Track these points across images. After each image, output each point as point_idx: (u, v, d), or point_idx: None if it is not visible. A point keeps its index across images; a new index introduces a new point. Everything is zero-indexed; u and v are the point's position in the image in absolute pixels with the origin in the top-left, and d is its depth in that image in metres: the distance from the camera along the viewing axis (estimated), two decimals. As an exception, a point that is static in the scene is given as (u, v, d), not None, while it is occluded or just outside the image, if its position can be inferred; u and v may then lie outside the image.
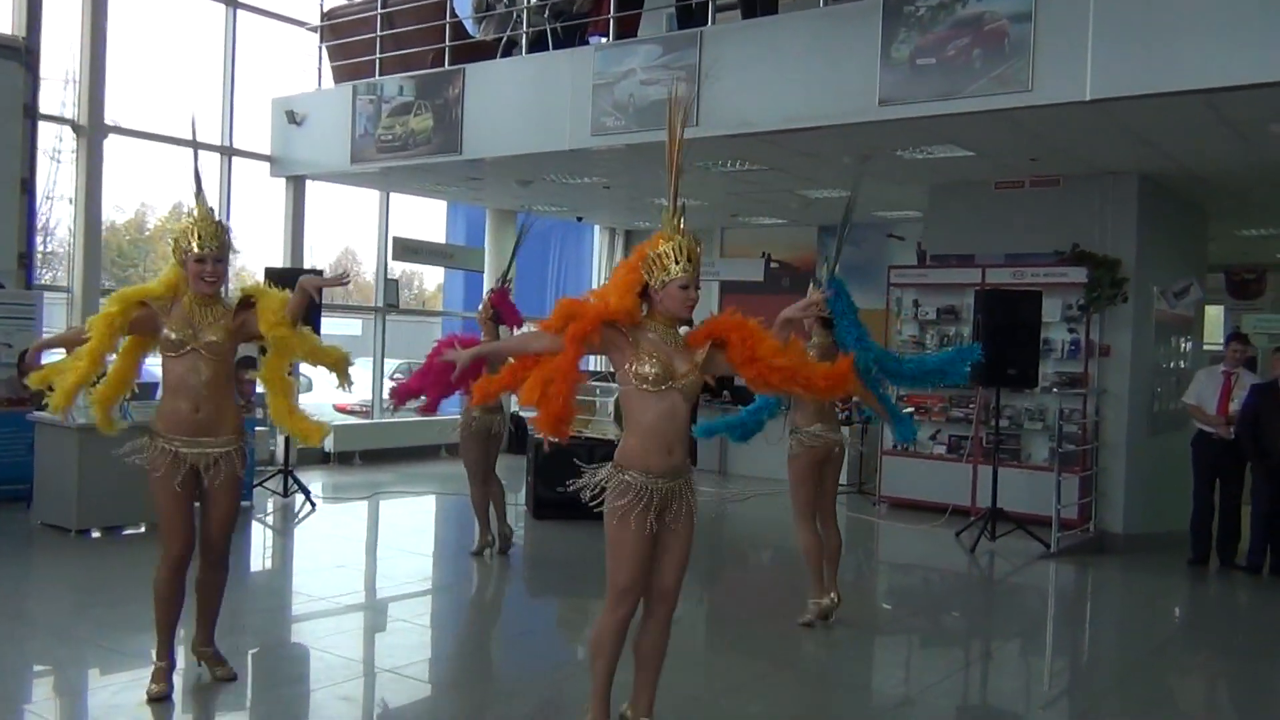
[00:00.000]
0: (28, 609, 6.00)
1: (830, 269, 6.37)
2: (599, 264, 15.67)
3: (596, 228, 15.51)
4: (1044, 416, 9.47)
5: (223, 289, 4.51)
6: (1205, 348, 12.27)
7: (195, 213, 4.37)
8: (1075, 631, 6.96)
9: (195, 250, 4.28)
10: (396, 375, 17.29)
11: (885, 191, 10.78)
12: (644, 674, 3.84)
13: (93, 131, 9.83)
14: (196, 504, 4.43)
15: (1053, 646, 6.51)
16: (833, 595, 6.03)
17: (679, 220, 3.72)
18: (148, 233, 24.60)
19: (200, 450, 4.32)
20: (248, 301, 4.41)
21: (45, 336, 6.65)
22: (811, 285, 6.26)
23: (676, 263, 3.62)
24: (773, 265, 14.25)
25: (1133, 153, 8.49)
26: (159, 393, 7.16)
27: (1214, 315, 14.88)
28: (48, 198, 10.10)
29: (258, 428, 9.54)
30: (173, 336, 4.27)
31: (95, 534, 7.63)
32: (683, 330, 3.80)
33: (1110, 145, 8.25)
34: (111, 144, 10.20)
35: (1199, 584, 7.90)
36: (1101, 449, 9.24)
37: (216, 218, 4.43)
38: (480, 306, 7.94)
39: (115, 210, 25.45)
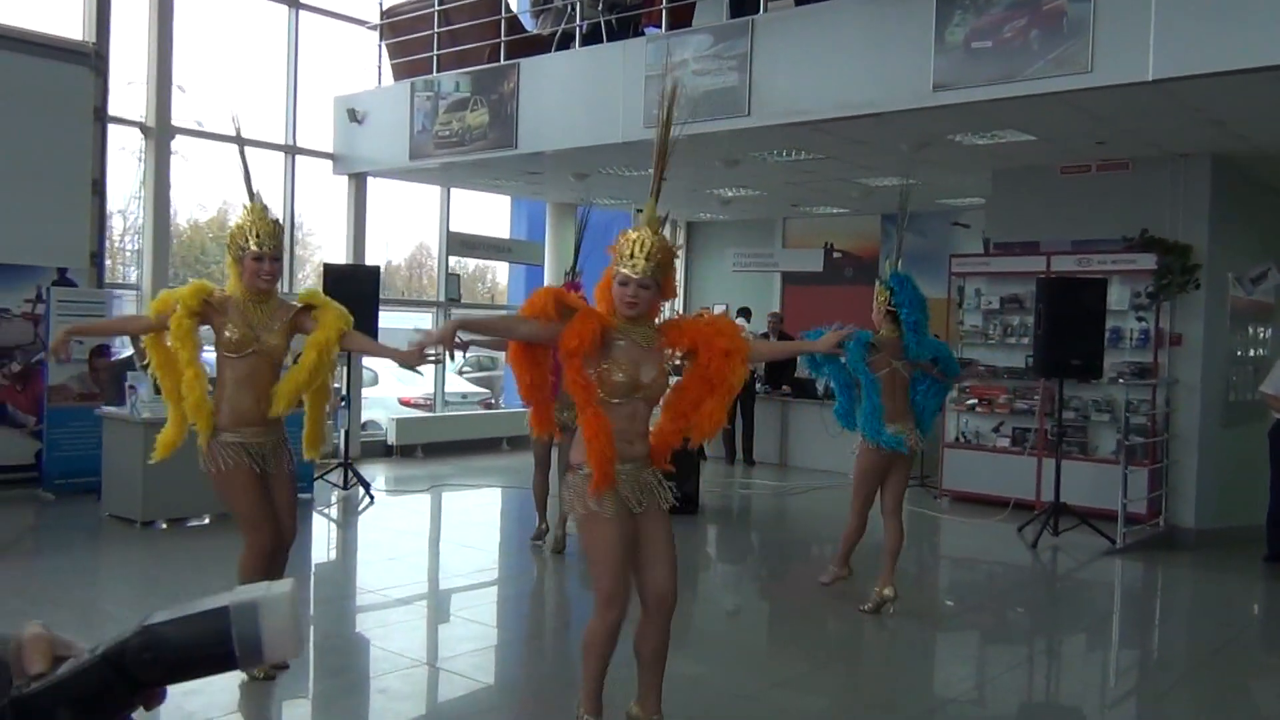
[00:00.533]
0: (89, 598, 6.18)
1: (894, 263, 6.31)
2: (660, 256, 15.62)
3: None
4: (1112, 408, 9.19)
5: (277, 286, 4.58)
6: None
7: (251, 210, 4.41)
8: (1142, 630, 6.75)
9: (253, 249, 4.33)
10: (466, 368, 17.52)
11: (947, 178, 10.57)
12: (647, 675, 3.76)
13: (160, 133, 10.08)
14: None
15: (1119, 644, 6.32)
16: (889, 589, 5.95)
17: (652, 212, 3.57)
18: (229, 230, 25.32)
19: (263, 440, 4.44)
20: (308, 307, 4.49)
21: (79, 323, 6.86)
22: (877, 283, 6.25)
23: (628, 257, 3.45)
24: (835, 255, 14.09)
25: (1203, 134, 8.18)
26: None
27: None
28: (135, 197, 10.43)
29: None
30: (234, 337, 4.35)
31: (162, 525, 7.82)
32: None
33: (1179, 127, 7.96)
34: (193, 145, 10.49)
35: (1275, 581, 7.60)
36: (1172, 441, 8.94)
37: (272, 215, 4.46)
38: None
39: (199, 209, 26.14)
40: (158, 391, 7.98)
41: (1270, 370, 8.09)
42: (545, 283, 13.75)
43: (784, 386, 12.34)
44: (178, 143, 11.68)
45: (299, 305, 4.51)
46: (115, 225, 10.79)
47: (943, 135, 8.45)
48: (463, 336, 3.64)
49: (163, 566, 6.90)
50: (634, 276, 3.42)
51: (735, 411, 11.97)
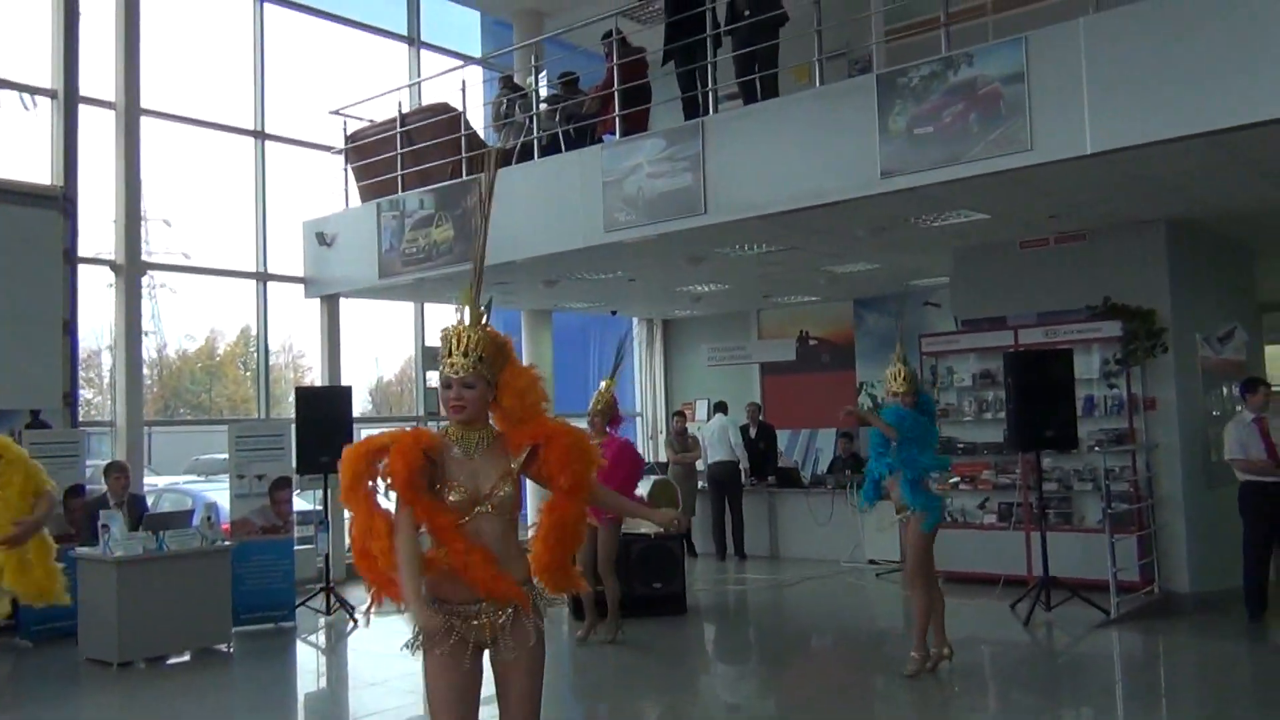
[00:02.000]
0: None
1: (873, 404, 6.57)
2: (638, 355, 15.70)
3: (635, 320, 15.58)
4: (1093, 476, 9.15)
5: None
6: (1276, 389, 11.80)
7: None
8: (1148, 702, 6.59)
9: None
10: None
11: (911, 259, 10.71)
12: None
13: (130, 270, 10.17)
14: None
15: (1124, 718, 6.17)
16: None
17: (471, 301, 3.23)
18: (217, 358, 25.38)
19: None
20: None
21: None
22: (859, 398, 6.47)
23: (446, 356, 3.13)
24: (811, 342, 14.18)
25: (1154, 200, 8.33)
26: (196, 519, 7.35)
27: (1277, 355, 14.36)
28: (147, 333, 10.53)
29: (297, 547, 9.57)
30: None
31: (140, 665, 7.65)
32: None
33: (1129, 195, 8.11)
34: (177, 277, 10.60)
35: (1268, 641, 7.48)
36: (1158, 506, 8.89)
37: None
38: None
39: (186, 339, 26.26)
40: (133, 528, 7.98)
41: (1224, 437, 8.03)
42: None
43: (770, 477, 12.28)
44: (165, 276, 11.85)
45: None
46: (105, 361, 10.87)
47: (898, 219, 8.59)
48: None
49: (139, 710, 6.73)
50: (454, 377, 3.10)
51: (723, 505, 11.89)
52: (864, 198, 7.70)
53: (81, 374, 15.07)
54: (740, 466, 12.02)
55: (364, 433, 14.92)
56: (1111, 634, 7.71)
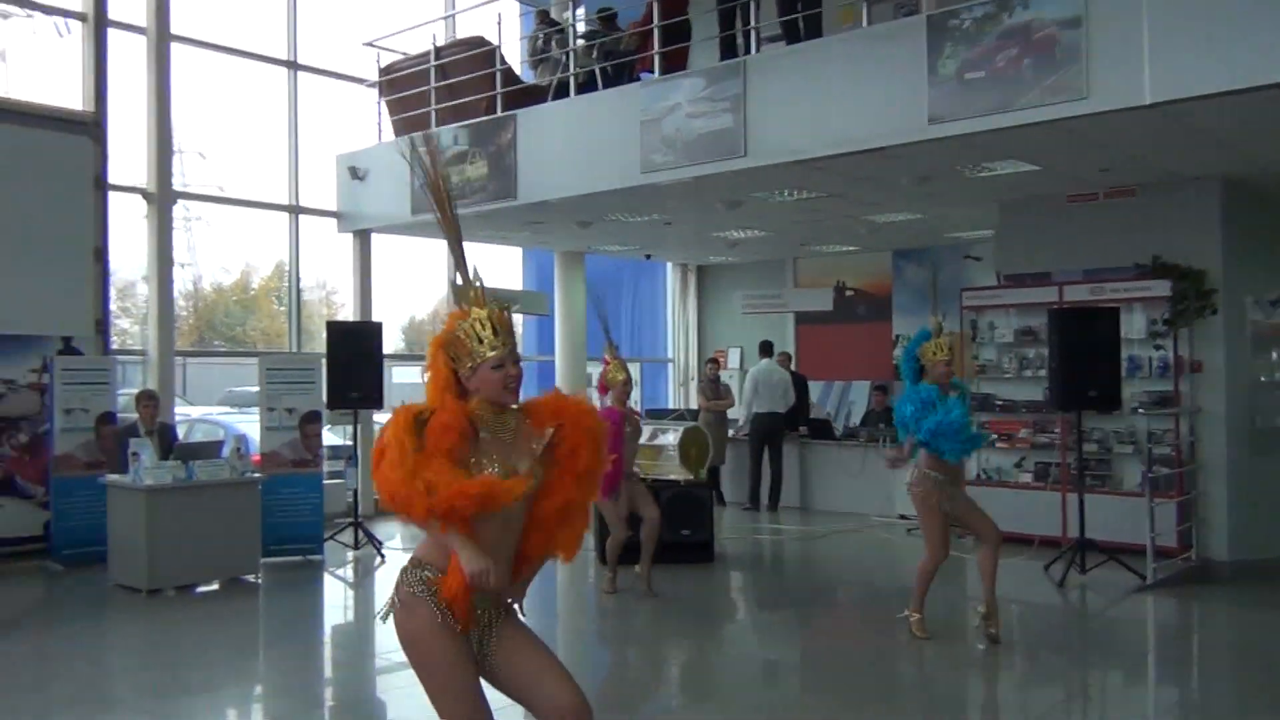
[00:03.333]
0: (95, 673, 6.02)
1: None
2: (672, 301, 15.54)
3: (669, 265, 15.40)
4: (1135, 439, 8.94)
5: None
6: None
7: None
8: (1181, 669, 6.46)
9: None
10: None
11: (954, 211, 10.45)
12: None
13: (162, 199, 10.11)
14: None
15: (1156, 685, 6.05)
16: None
17: (476, 290, 3.02)
18: (252, 293, 25.55)
19: None
20: None
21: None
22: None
23: (481, 341, 2.94)
24: (848, 293, 13.95)
25: (1211, 156, 8.02)
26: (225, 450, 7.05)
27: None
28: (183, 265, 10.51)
29: (326, 481, 9.59)
30: None
31: (170, 593, 7.69)
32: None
33: (1184, 150, 7.81)
34: (213, 210, 10.54)
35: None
36: (1200, 471, 8.68)
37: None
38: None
39: (222, 272, 26.44)
40: (163, 457, 8.00)
41: None
42: (557, 332, 13.67)
43: (800, 428, 12.14)
44: (201, 209, 11.82)
45: None
46: (141, 291, 10.87)
47: (943, 168, 8.33)
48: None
49: (165, 636, 6.76)
50: (509, 355, 2.95)
51: (761, 456, 11.72)
52: (910, 144, 7.47)
53: (119, 304, 15.21)
54: (782, 416, 11.79)
55: (394, 370, 14.96)
56: (1147, 599, 7.56)
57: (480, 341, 2.94)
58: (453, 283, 3.07)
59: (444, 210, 3.10)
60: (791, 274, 14.66)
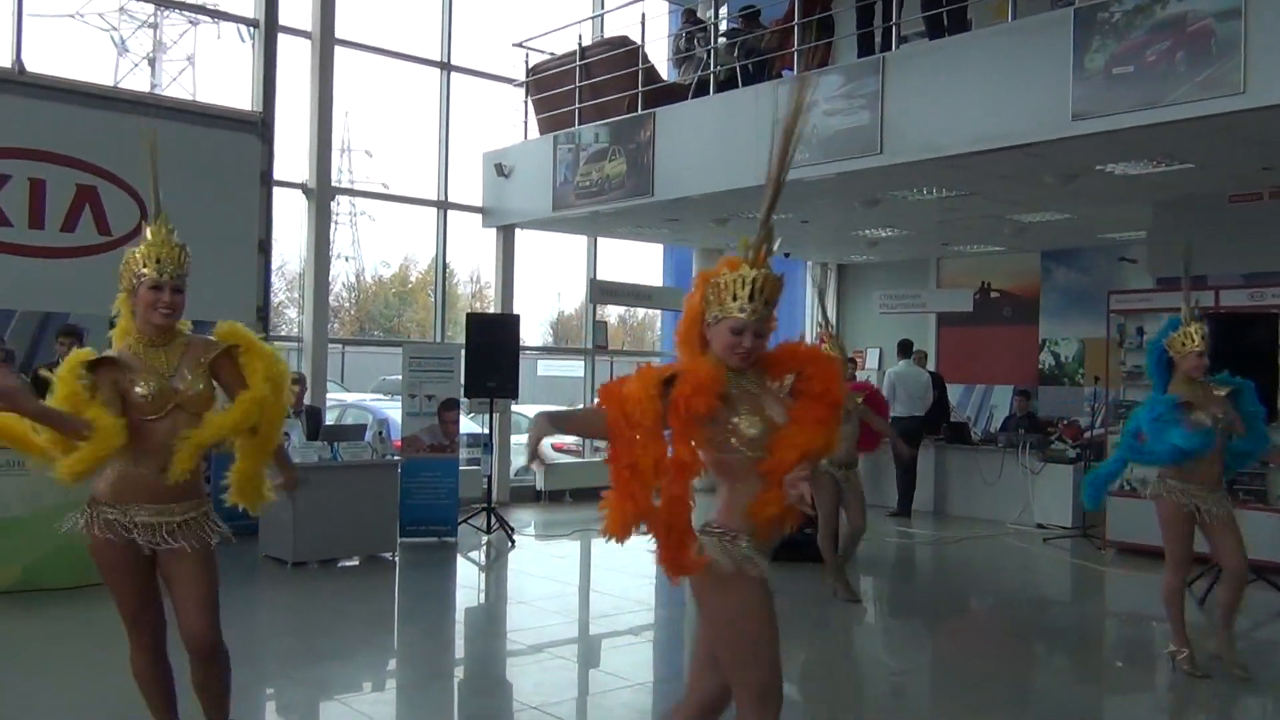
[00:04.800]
0: (229, 634, 6.41)
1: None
2: (810, 300, 15.43)
3: (809, 263, 15.30)
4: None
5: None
6: None
7: (149, 235, 3.57)
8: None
9: (150, 275, 3.48)
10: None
11: (1104, 211, 10.08)
12: None
13: (321, 194, 10.67)
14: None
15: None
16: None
17: (761, 250, 2.98)
18: (410, 285, 26.62)
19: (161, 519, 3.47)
20: (230, 348, 3.64)
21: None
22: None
23: (735, 298, 2.89)
24: (993, 294, 13.59)
25: (1386, 154, 7.52)
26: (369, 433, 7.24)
27: None
28: (340, 256, 11.07)
29: (462, 467, 9.92)
30: (147, 393, 3.46)
31: (313, 566, 8.14)
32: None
33: (1355, 147, 7.34)
34: (377, 207, 11.07)
35: None
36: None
37: (177, 240, 3.61)
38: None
39: (382, 266, 27.57)
40: (310, 438, 8.45)
41: None
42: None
43: (939, 431, 11.90)
44: (365, 204, 12.43)
45: (219, 345, 3.63)
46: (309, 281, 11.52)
47: (1089, 166, 8.06)
48: (548, 451, 3.11)
49: (306, 606, 7.17)
50: (752, 322, 2.91)
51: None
52: (1052, 141, 7.26)
53: (287, 294, 16.08)
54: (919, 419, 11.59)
55: (539, 363, 15.26)
56: (1298, 622, 7.16)
57: (734, 299, 2.91)
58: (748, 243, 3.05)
59: (784, 156, 3.09)
60: (934, 273, 14.35)
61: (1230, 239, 9.05)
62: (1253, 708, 5.76)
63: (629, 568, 9.20)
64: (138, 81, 14.89)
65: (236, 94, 10.28)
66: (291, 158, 10.71)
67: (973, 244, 12.78)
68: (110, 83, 11.75)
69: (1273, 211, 8.81)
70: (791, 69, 9.42)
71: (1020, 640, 6.43)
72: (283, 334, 11.16)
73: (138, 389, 3.45)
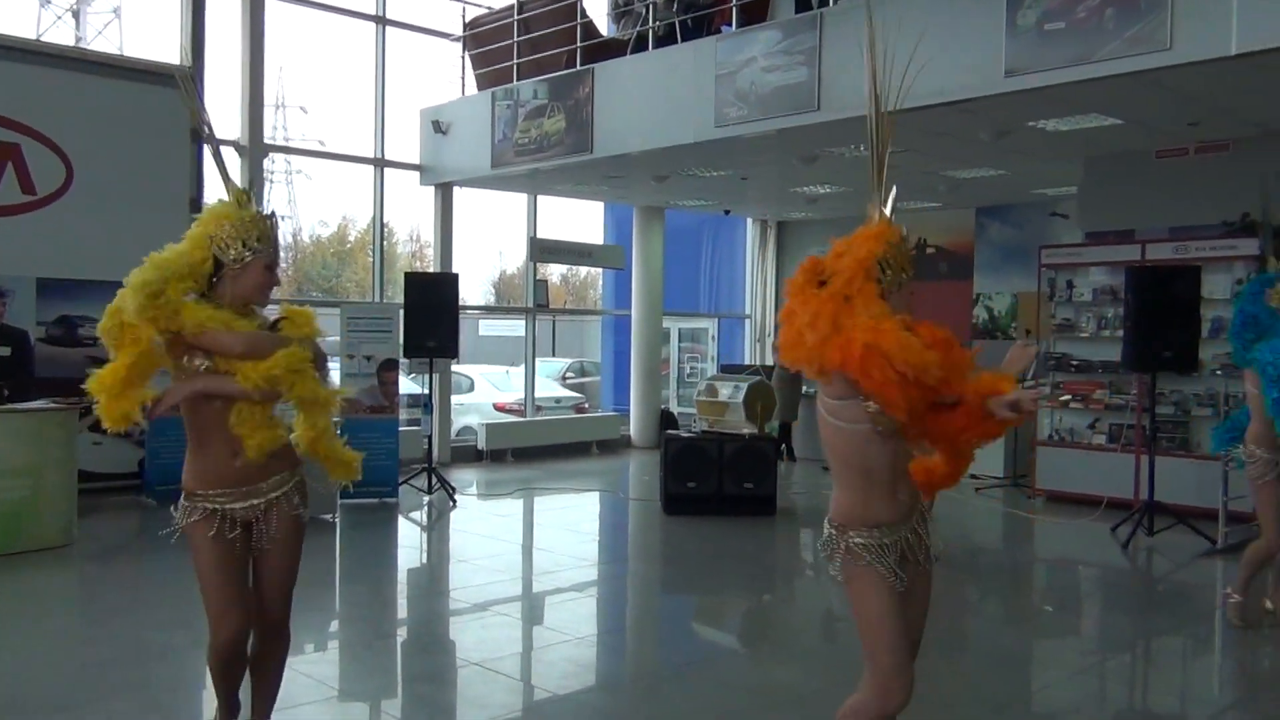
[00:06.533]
0: (169, 595, 6.34)
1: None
2: (751, 258, 15.52)
3: (748, 220, 15.36)
4: (1214, 401, 8.73)
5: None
6: None
7: (238, 205, 3.38)
8: (1243, 635, 6.36)
9: (267, 252, 3.36)
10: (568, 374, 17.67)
11: (1037, 167, 10.23)
12: None
13: (254, 151, 10.46)
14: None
15: (1221, 652, 5.98)
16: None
17: (887, 204, 3.03)
18: (349, 245, 26.21)
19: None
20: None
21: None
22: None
23: (905, 271, 2.95)
24: (929, 251, 13.76)
25: (1306, 110, 7.72)
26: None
27: None
28: (283, 217, 10.91)
29: (402, 428, 9.89)
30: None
31: (253, 529, 8.06)
32: None
33: (1277, 103, 7.52)
34: (313, 165, 10.89)
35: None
36: None
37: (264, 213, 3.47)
38: None
39: (320, 225, 27.11)
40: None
41: None
42: (634, 286, 13.79)
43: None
44: (302, 162, 12.21)
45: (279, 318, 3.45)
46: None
47: (1022, 122, 8.17)
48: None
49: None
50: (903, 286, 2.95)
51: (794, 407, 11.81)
52: (986, 97, 7.35)
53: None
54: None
55: (481, 323, 14.98)
56: (1215, 564, 7.43)
57: (905, 272, 2.95)
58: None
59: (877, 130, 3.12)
60: (871, 231, 14.48)
61: (1157, 194, 9.26)
62: (1172, 645, 5.99)
63: (571, 525, 9.28)
64: (62, 35, 14.43)
65: (165, 48, 10.02)
66: (224, 114, 10.48)
67: (909, 200, 12.91)
68: (33, 36, 11.37)
69: (1198, 166, 9.02)
70: (730, 24, 9.39)
71: (954, 586, 6.61)
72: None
73: (199, 361, 3.22)
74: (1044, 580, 7.78)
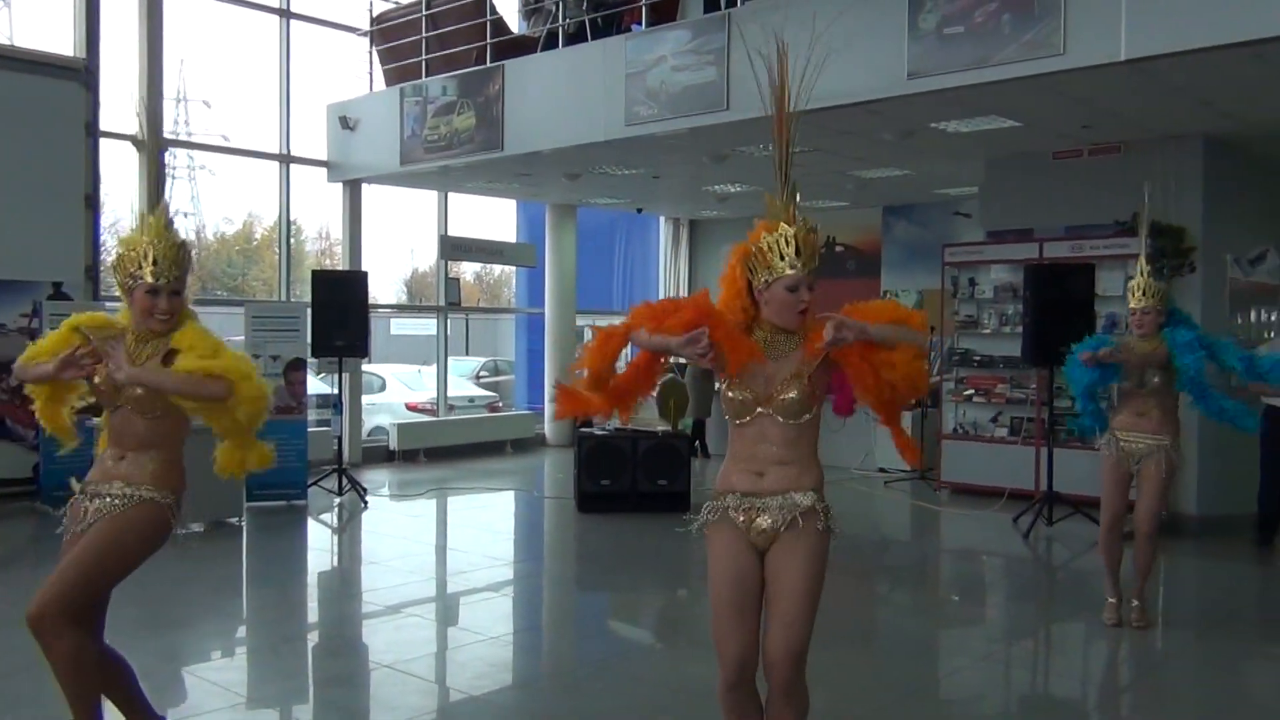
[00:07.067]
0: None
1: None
2: (664, 256, 15.60)
3: (661, 219, 15.44)
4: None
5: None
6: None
7: (149, 227, 3.35)
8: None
9: (146, 278, 3.31)
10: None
11: (940, 167, 10.48)
12: None
13: (151, 146, 10.12)
14: None
15: (1118, 634, 6.20)
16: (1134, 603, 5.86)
17: (791, 206, 3.01)
18: (255, 242, 25.60)
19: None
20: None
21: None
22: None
23: (782, 258, 2.91)
24: (837, 249, 14.01)
25: (1191, 114, 8.05)
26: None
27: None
28: (179, 213, 10.56)
29: (311, 429, 9.72)
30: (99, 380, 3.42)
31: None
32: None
33: (1165, 107, 7.84)
34: (216, 161, 10.63)
35: (1268, 567, 7.47)
36: (1172, 427, 8.79)
37: (176, 233, 3.42)
38: None
39: (225, 222, 26.44)
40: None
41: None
42: (547, 284, 13.76)
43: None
44: (205, 157, 11.87)
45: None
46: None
47: (925, 123, 8.37)
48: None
49: (147, 575, 6.89)
50: (805, 277, 2.92)
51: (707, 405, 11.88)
52: (889, 99, 7.50)
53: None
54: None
55: (392, 321, 14.89)
56: (1111, 551, 7.71)
57: (781, 258, 2.93)
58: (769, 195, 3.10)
59: (782, 128, 3.18)
60: (781, 229, 14.67)
61: (1054, 194, 9.56)
62: (1072, 630, 6.20)
63: (486, 524, 9.23)
64: (-56, 24, 13.80)
65: (58, 39, 9.65)
66: (122, 108, 10.16)
67: (817, 200, 13.11)
68: (-88, 24, 10.88)
69: (1092, 167, 9.34)
70: (640, 23, 9.42)
71: (864, 578, 6.77)
72: (116, 295, 10.60)
73: (96, 378, 3.44)
74: (950, 570, 8.00)
